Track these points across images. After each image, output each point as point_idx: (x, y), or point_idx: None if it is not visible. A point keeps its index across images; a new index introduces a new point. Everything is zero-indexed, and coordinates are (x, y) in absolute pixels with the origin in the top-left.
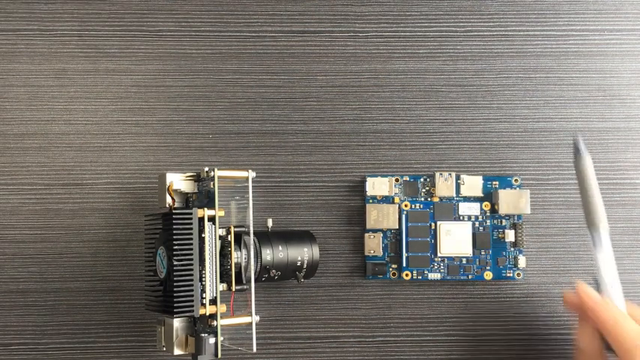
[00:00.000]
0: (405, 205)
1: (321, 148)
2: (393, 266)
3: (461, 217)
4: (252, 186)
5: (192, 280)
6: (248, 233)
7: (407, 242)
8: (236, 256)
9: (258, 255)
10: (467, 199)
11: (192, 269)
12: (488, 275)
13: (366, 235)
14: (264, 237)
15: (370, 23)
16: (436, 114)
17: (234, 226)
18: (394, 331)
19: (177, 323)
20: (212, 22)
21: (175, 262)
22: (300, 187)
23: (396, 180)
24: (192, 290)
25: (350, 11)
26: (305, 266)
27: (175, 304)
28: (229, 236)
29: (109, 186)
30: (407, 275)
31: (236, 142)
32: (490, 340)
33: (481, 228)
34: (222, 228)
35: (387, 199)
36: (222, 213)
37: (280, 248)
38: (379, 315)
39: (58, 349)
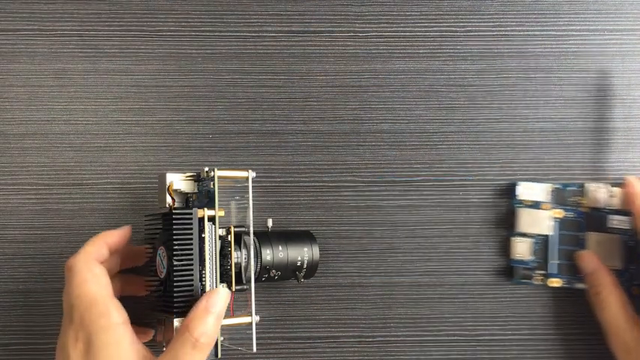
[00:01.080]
0: (557, 213)
1: (321, 148)
2: (539, 272)
3: (611, 230)
4: (252, 186)
5: (192, 280)
6: (248, 233)
7: (558, 250)
8: (236, 256)
9: (258, 255)
10: (619, 211)
11: (192, 269)
12: (636, 290)
13: (514, 238)
14: (264, 237)
15: (370, 23)
16: (436, 114)
17: (234, 226)
18: (394, 331)
19: (178, 323)
20: (212, 22)
21: (175, 262)
22: (300, 187)
23: (551, 188)
24: (192, 290)
25: (350, 11)
26: (305, 266)
27: (175, 304)
28: (229, 236)
29: (109, 186)
30: (556, 283)
31: (236, 142)
32: (490, 340)
33: (632, 242)
34: (222, 228)
35: (536, 205)
36: (222, 213)
37: (280, 248)
38: (379, 315)
39: None
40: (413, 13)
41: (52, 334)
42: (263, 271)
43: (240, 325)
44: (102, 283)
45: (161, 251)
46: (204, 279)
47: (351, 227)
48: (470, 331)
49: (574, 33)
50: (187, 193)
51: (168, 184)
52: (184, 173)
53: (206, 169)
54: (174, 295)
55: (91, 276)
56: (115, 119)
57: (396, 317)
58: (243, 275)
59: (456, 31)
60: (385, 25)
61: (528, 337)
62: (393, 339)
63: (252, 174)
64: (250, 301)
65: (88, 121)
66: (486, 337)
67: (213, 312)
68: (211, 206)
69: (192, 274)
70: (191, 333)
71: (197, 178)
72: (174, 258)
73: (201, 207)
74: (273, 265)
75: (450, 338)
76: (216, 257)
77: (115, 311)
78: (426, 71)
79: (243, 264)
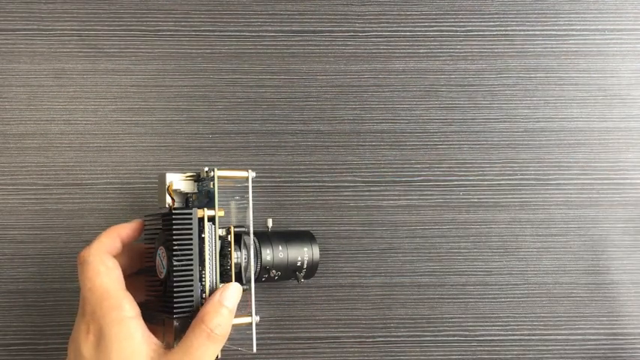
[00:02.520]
0: None
1: (321, 148)
2: None
3: None
4: (252, 186)
5: (192, 280)
6: (248, 233)
7: None
8: (236, 256)
9: (258, 255)
10: None
11: (192, 269)
12: None
13: None
14: (264, 237)
15: (370, 23)
16: (436, 114)
17: (234, 226)
18: (394, 331)
19: (178, 323)
20: (212, 22)
21: (175, 263)
22: (300, 187)
23: None
24: (192, 290)
25: (350, 11)
26: (305, 266)
27: (175, 304)
28: (229, 236)
29: (108, 186)
30: None
31: (236, 142)
32: (490, 340)
33: None
34: (222, 228)
35: None
36: (222, 213)
37: (280, 248)
38: (379, 315)
39: (58, 349)
40: (413, 13)
41: (51, 334)
42: (263, 271)
43: (240, 325)
44: (114, 276)
45: (161, 252)
46: (204, 279)
47: (351, 227)
48: (470, 331)
49: (574, 33)
50: (187, 193)
51: (168, 184)
52: (184, 173)
53: (206, 169)
54: (174, 295)
55: (104, 269)
56: (115, 119)
57: (396, 317)
58: (243, 275)
59: (456, 31)
60: (385, 25)
61: (528, 337)
62: (393, 339)
63: (252, 174)
64: (250, 301)
65: (87, 121)
66: (486, 338)
67: (227, 305)
68: (211, 206)
69: (192, 275)
70: (206, 324)
71: (197, 178)
72: (174, 258)
73: (201, 207)
74: (273, 265)
75: (450, 338)
76: (216, 257)
77: (127, 304)
78: (426, 71)
79: (243, 264)
